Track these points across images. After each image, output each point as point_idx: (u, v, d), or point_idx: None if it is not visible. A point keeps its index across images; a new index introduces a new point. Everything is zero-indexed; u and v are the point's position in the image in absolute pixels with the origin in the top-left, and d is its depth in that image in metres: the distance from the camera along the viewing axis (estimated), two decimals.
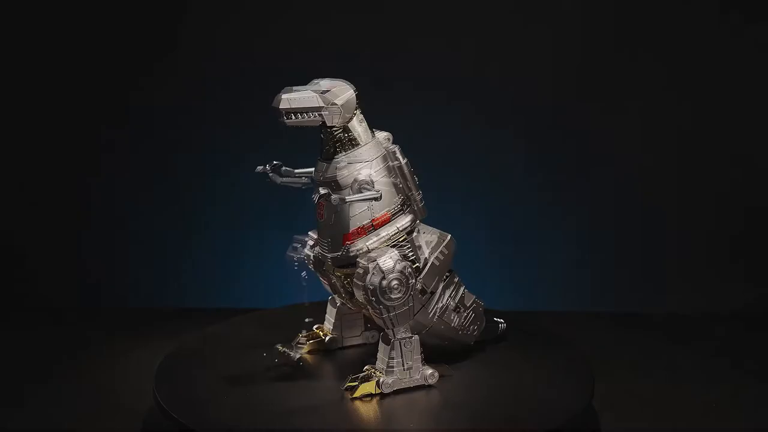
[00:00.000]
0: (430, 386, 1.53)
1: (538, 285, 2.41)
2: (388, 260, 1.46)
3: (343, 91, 1.48)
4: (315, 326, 1.74)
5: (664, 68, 2.34)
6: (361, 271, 1.46)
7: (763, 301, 2.34)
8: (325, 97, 1.46)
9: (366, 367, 1.53)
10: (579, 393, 1.53)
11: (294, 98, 1.44)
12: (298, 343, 1.68)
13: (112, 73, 2.39)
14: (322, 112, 1.45)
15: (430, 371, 1.53)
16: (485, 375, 1.60)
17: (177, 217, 2.45)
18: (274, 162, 1.59)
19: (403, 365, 1.50)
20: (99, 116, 2.41)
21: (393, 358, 1.49)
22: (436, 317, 1.57)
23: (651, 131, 2.38)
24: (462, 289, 1.61)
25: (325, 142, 1.51)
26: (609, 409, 1.70)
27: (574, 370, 1.63)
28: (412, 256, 1.52)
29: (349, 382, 1.50)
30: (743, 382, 1.90)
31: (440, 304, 1.57)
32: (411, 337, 1.50)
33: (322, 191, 1.48)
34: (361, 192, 1.46)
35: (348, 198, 1.45)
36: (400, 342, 1.49)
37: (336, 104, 1.46)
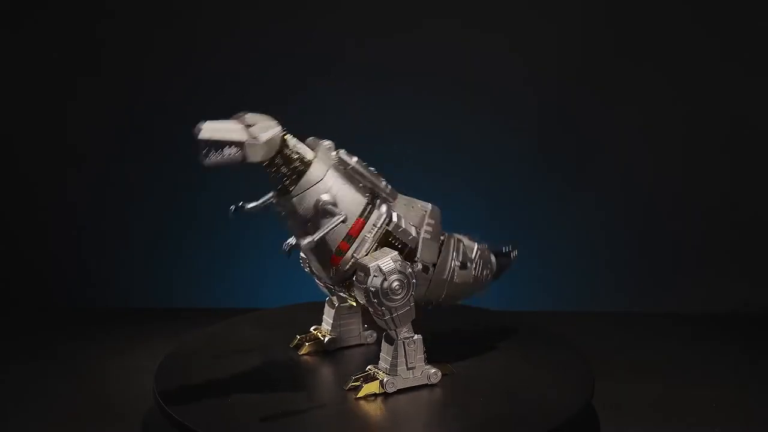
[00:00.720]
0: (432, 385, 1.53)
1: (538, 285, 2.41)
2: (389, 261, 1.45)
3: (268, 128, 1.41)
4: (313, 327, 1.74)
5: (668, 68, 2.34)
6: (362, 273, 1.46)
7: (763, 301, 2.34)
8: (250, 131, 1.39)
9: (368, 367, 1.53)
10: (579, 393, 1.53)
11: (217, 128, 1.37)
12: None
13: (111, 72, 2.39)
14: (245, 148, 1.38)
15: (433, 370, 1.53)
16: (486, 374, 1.59)
17: (176, 217, 2.45)
18: (239, 204, 1.54)
19: (406, 365, 1.50)
20: (100, 116, 2.41)
21: (396, 358, 1.49)
22: (448, 283, 1.56)
23: (653, 131, 2.38)
24: (461, 245, 1.58)
25: (273, 180, 1.47)
26: (609, 409, 1.70)
27: (574, 370, 1.63)
28: (399, 244, 1.50)
29: (353, 382, 1.50)
30: (743, 381, 1.90)
31: (447, 271, 1.55)
32: (414, 336, 1.50)
33: (291, 241, 1.41)
34: (326, 214, 1.43)
35: (317, 236, 1.41)
36: (403, 342, 1.49)
37: (259, 140, 1.39)
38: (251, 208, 1.52)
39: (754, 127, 2.35)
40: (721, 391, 1.83)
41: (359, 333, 1.72)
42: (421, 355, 1.51)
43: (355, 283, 1.47)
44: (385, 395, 1.49)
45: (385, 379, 1.49)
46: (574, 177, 2.40)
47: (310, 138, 1.52)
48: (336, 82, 2.37)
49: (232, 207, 1.52)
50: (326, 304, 1.71)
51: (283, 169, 1.45)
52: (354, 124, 2.36)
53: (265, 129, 1.41)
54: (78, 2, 2.35)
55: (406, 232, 1.51)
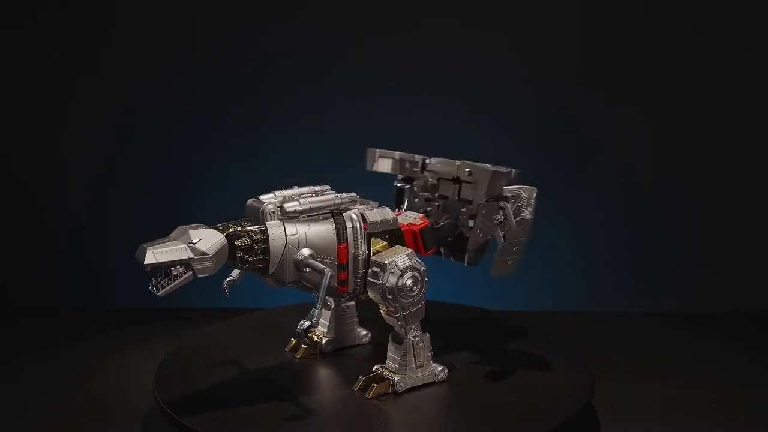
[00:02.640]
0: (437, 384, 1.53)
1: (538, 285, 2.41)
2: (405, 258, 1.46)
3: (212, 239, 1.37)
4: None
5: (668, 68, 2.34)
6: (378, 269, 1.46)
7: (762, 301, 2.34)
8: (195, 247, 1.35)
9: (375, 367, 1.53)
10: (579, 393, 1.53)
11: (160, 251, 1.32)
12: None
13: (111, 72, 2.40)
14: (194, 266, 1.35)
15: (440, 368, 1.53)
16: (487, 375, 1.60)
17: (175, 217, 2.44)
18: (228, 283, 1.56)
19: (415, 363, 1.50)
20: (100, 116, 2.41)
21: (406, 357, 1.49)
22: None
23: (653, 131, 2.38)
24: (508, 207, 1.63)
25: (246, 270, 1.44)
26: (609, 409, 1.70)
27: (574, 370, 1.63)
28: (386, 236, 1.51)
29: (362, 383, 1.50)
30: (743, 381, 1.90)
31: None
32: (423, 334, 1.50)
33: (304, 324, 1.37)
34: (312, 267, 1.41)
35: (319, 309, 1.38)
36: (412, 341, 1.49)
37: (207, 254, 1.35)
38: (237, 280, 1.55)
39: (754, 127, 2.35)
40: (721, 391, 1.83)
41: (355, 334, 1.72)
42: (429, 353, 1.52)
43: (369, 280, 1.47)
44: (396, 394, 1.49)
45: (396, 379, 1.49)
46: (574, 177, 2.40)
47: (250, 201, 1.49)
48: (336, 82, 2.38)
49: (225, 285, 1.55)
50: None
51: (249, 258, 1.41)
52: (354, 125, 2.36)
53: (209, 242, 1.36)
54: (78, 2, 2.35)
55: (384, 221, 1.51)
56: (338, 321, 1.69)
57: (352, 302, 1.69)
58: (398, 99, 2.36)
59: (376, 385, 1.48)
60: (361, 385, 1.50)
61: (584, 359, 1.68)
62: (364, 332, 1.73)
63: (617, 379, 1.87)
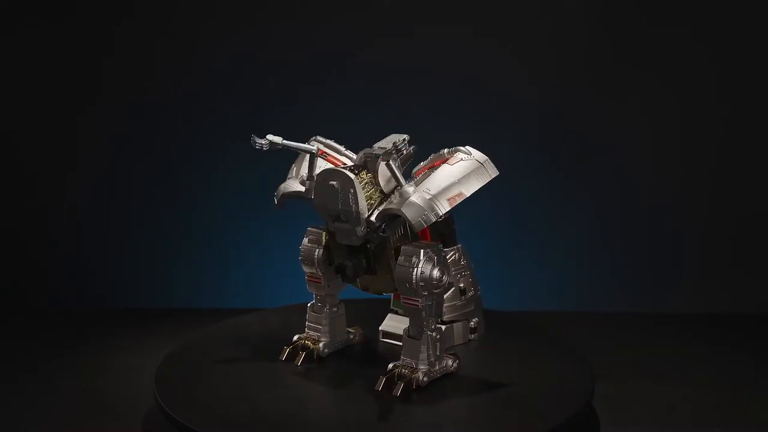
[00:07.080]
0: (448, 377, 1.53)
1: (538, 285, 2.41)
2: (437, 249, 1.47)
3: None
4: (296, 336, 1.70)
5: (668, 69, 2.35)
6: (414, 258, 1.46)
7: (762, 301, 2.34)
8: None
9: (391, 365, 1.51)
10: (579, 393, 1.53)
11: None
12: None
13: (113, 75, 2.40)
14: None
15: (451, 360, 1.53)
16: (486, 375, 1.60)
17: (175, 218, 2.46)
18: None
19: (432, 357, 1.50)
20: (102, 117, 2.41)
21: (425, 351, 1.49)
22: None
23: (653, 132, 2.38)
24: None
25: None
26: (609, 409, 1.70)
27: (574, 370, 1.63)
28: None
29: (385, 382, 1.49)
30: (743, 381, 1.90)
31: None
32: (440, 327, 1.51)
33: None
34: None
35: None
36: (431, 335, 1.49)
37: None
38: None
39: (753, 127, 2.35)
40: (721, 391, 1.84)
41: (346, 334, 1.71)
42: (443, 345, 1.52)
43: (401, 266, 1.47)
44: (417, 390, 1.48)
45: (419, 374, 1.49)
46: (575, 177, 2.40)
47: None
48: (336, 83, 2.38)
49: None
50: (310, 310, 1.67)
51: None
52: (353, 125, 2.36)
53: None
54: (81, 3, 2.36)
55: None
56: (331, 323, 1.67)
57: (342, 304, 1.68)
58: (398, 100, 2.36)
59: (400, 383, 1.48)
60: (383, 384, 1.49)
61: (584, 359, 1.68)
62: (353, 332, 1.72)
63: (617, 379, 1.87)
